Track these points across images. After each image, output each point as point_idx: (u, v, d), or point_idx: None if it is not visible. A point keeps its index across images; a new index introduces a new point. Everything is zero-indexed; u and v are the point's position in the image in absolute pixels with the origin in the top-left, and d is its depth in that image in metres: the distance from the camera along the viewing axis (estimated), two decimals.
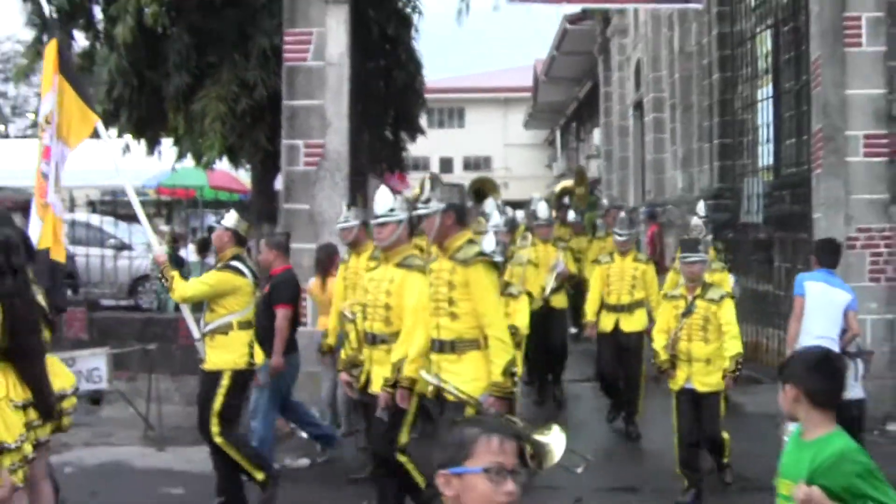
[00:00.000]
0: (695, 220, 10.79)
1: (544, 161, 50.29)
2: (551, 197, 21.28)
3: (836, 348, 8.24)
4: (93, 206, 17.84)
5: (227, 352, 7.54)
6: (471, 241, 6.26)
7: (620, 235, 10.51)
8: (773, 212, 13.52)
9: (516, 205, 20.85)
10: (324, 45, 10.61)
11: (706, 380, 7.98)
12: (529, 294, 9.83)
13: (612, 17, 26.95)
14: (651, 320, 9.85)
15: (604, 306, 10.51)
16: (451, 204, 6.21)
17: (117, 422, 10.52)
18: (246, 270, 7.76)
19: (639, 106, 25.83)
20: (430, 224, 6.22)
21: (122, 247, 15.93)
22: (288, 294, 8.72)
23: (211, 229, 18.64)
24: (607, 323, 10.43)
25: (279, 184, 11.79)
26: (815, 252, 9.13)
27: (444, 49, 32.57)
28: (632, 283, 10.35)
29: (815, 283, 8.68)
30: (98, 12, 12.63)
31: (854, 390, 8.72)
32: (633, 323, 10.31)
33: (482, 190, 18.73)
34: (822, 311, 8.61)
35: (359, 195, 11.47)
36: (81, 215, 14.78)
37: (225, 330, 7.57)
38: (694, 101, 19.78)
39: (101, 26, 12.59)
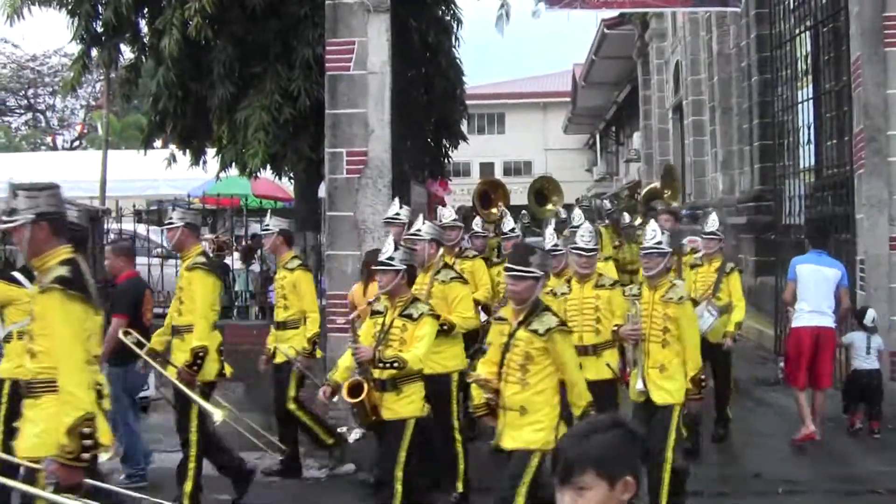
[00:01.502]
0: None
1: (584, 165, 50.22)
2: (628, 205, 18.70)
3: (828, 321, 9.76)
4: (139, 215, 18.08)
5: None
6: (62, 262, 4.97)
7: (582, 253, 8.06)
8: (815, 213, 13.48)
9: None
10: (365, 53, 10.72)
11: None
12: None
13: (650, 21, 26.95)
14: (624, 363, 8.12)
15: None
16: (42, 213, 5.04)
17: (165, 429, 10.65)
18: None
19: (678, 109, 25.80)
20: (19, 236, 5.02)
21: (167, 255, 16.12)
22: (126, 303, 8.69)
23: (255, 237, 18.89)
24: None
25: (322, 192, 11.92)
26: (806, 236, 10.83)
27: (483, 55, 32.66)
28: (595, 316, 8.05)
29: (805, 265, 9.94)
30: (144, 26, 12.84)
31: (868, 361, 10.06)
32: (599, 370, 7.95)
33: (543, 191, 18.30)
34: (814, 287, 9.79)
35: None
36: (128, 225, 14.94)
37: None
38: (733, 103, 19.76)
39: (146, 40, 12.80)
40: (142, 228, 16.82)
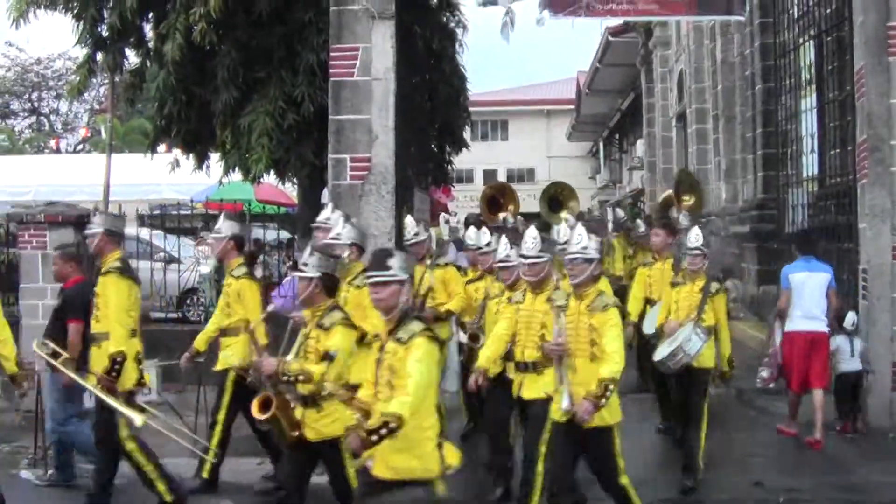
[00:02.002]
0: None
1: (588, 173, 50.23)
2: (633, 213, 18.60)
3: (821, 325, 10.18)
4: (142, 219, 18.09)
5: None
6: None
7: (523, 260, 7.56)
8: (818, 222, 13.47)
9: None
10: (369, 60, 10.73)
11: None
12: None
13: (654, 29, 26.97)
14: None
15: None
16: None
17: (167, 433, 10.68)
18: None
19: (682, 117, 25.80)
20: None
21: (170, 260, 16.14)
22: (79, 308, 8.51)
23: (258, 242, 18.91)
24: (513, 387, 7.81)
25: (326, 197, 11.93)
26: (795, 243, 11.22)
27: (487, 62, 32.67)
28: (541, 332, 7.39)
29: (798, 273, 10.33)
30: (148, 30, 12.87)
31: (853, 363, 10.43)
32: (538, 389, 7.42)
33: (558, 197, 17.39)
34: (807, 294, 10.20)
35: (405, 208, 11.58)
36: (131, 229, 14.97)
37: None
38: (737, 111, 19.76)
39: (151, 44, 12.82)
40: (145, 233, 16.83)
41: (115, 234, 8.20)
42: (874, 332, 10.64)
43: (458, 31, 14.47)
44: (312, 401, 6.38)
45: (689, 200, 15.67)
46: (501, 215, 15.13)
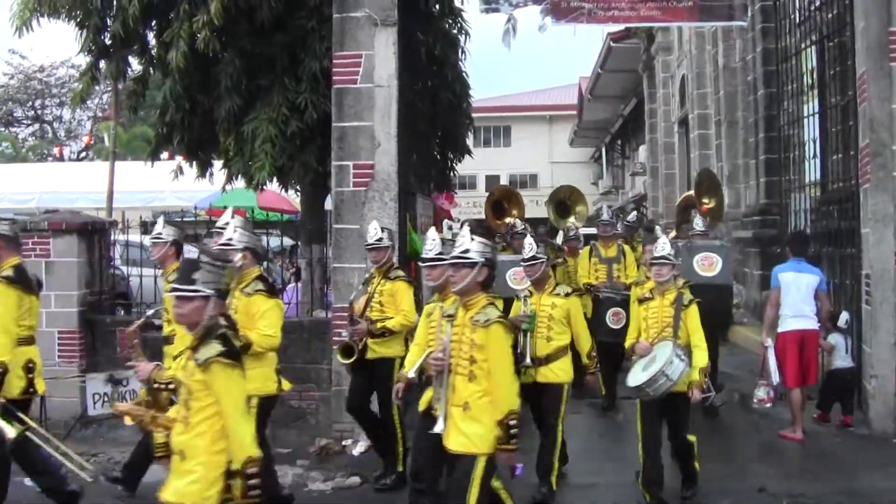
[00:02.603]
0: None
1: (590, 178, 50.27)
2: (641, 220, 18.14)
3: (811, 323, 10.54)
4: (145, 227, 18.12)
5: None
6: None
7: (428, 264, 7.73)
8: (820, 227, 13.48)
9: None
10: (372, 67, 10.77)
11: None
12: None
13: (656, 35, 27.01)
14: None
15: None
16: None
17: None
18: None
19: (684, 122, 25.83)
20: None
21: None
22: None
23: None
24: None
25: (329, 204, 11.95)
26: (788, 244, 11.36)
27: (489, 68, 32.71)
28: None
29: (787, 273, 10.68)
30: (151, 38, 12.88)
31: (847, 360, 10.92)
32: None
33: (566, 201, 17.39)
34: (795, 293, 10.54)
35: (408, 215, 11.59)
36: (134, 236, 14.96)
37: None
38: (739, 117, 19.79)
39: (154, 52, 12.83)
40: (148, 240, 16.83)
41: (10, 240, 8.01)
42: (877, 337, 10.65)
43: (461, 37, 14.46)
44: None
45: (709, 203, 15.30)
46: (507, 220, 15.09)
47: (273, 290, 7.98)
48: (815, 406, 11.10)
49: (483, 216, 17.96)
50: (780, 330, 10.73)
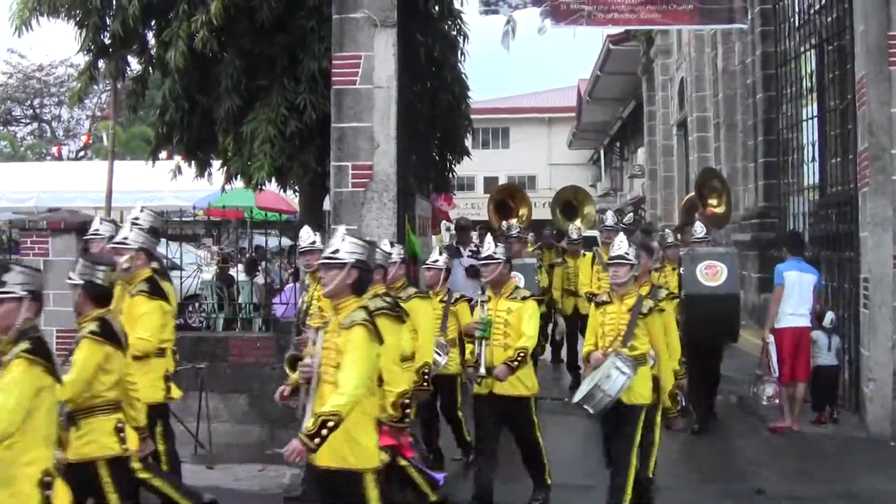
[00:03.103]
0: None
1: (588, 180, 50.26)
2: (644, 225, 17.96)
3: (807, 322, 10.89)
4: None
5: None
6: None
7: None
8: (819, 231, 13.49)
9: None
10: (372, 68, 10.76)
11: None
12: None
13: (655, 38, 27.06)
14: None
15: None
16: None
17: None
18: None
19: (683, 125, 25.87)
20: None
21: (172, 267, 16.14)
22: None
23: (259, 249, 18.91)
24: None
25: (327, 205, 11.95)
26: (785, 244, 11.72)
27: (488, 69, 32.73)
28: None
29: (791, 271, 10.96)
30: (151, 38, 12.88)
31: (829, 358, 11.09)
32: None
33: (572, 202, 16.78)
34: (797, 292, 10.86)
35: (407, 216, 11.59)
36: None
37: None
38: (738, 120, 19.82)
39: (153, 51, 12.83)
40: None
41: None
42: (875, 340, 10.66)
43: (460, 39, 14.46)
44: (72, 419, 5.96)
45: (716, 206, 14.54)
46: (505, 223, 14.92)
47: (157, 291, 7.59)
48: (811, 408, 11.14)
49: (483, 217, 17.77)
50: (777, 326, 10.93)
